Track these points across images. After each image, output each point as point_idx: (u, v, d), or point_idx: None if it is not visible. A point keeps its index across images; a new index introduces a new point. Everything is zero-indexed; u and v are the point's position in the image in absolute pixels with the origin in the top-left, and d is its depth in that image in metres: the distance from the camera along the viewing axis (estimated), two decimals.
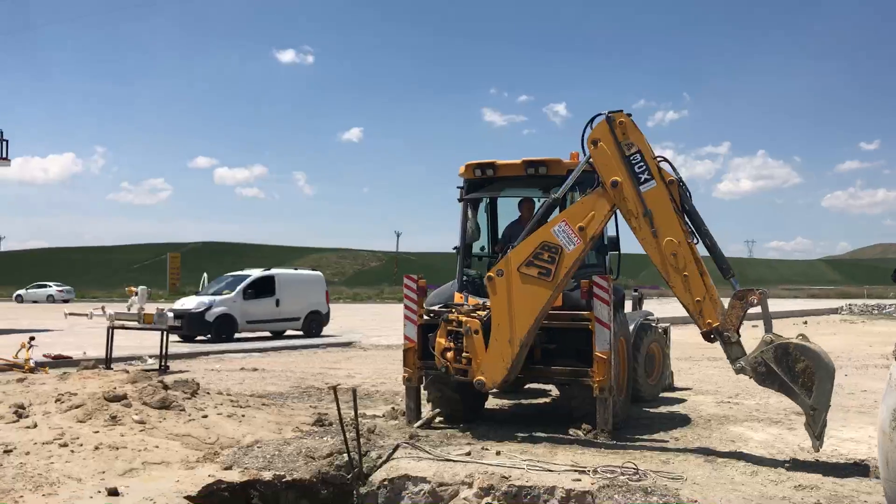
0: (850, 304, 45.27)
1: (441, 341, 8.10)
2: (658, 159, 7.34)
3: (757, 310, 6.97)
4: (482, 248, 9.83)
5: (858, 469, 6.60)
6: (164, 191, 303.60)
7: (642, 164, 7.28)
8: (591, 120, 7.53)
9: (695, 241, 7.22)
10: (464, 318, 7.92)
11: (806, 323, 32.04)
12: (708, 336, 7.14)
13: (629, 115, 7.40)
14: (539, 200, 9.23)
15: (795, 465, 6.79)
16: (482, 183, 9.21)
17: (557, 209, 7.98)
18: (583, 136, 7.60)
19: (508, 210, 9.78)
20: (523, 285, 7.58)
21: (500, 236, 9.74)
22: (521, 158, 8.80)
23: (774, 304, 51.53)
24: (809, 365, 6.59)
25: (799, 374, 6.63)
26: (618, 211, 7.50)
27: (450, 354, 7.99)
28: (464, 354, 7.86)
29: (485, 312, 8.07)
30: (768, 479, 6.35)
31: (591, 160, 7.52)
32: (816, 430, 6.53)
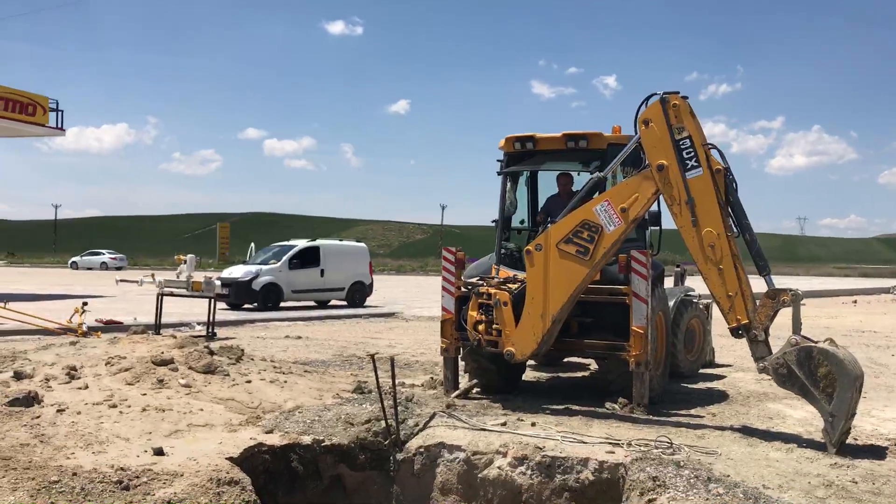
0: None
1: (472, 314, 8.18)
2: (708, 146, 7.18)
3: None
4: (522, 222, 9.85)
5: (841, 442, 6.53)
6: (214, 161, 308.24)
7: (691, 149, 7.13)
8: (647, 99, 7.41)
9: (735, 234, 7.08)
10: (494, 291, 7.98)
11: (856, 302, 31.46)
12: (736, 332, 7.02)
13: (685, 97, 7.25)
14: (578, 174, 9.22)
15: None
16: (522, 156, 9.20)
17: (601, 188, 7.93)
18: (636, 114, 7.53)
19: (548, 184, 9.76)
20: (560, 261, 7.58)
21: (539, 209, 9.75)
22: (561, 132, 8.77)
23: (825, 283, 50.73)
24: (832, 371, 6.44)
25: (820, 380, 6.48)
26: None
27: (481, 326, 8.08)
28: (494, 326, 7.94)
29: (515, 285, 8.13)
30: (804, 457, 6.33)
31: (640, 140, 7.44)
32: (834, 437, 6.37)
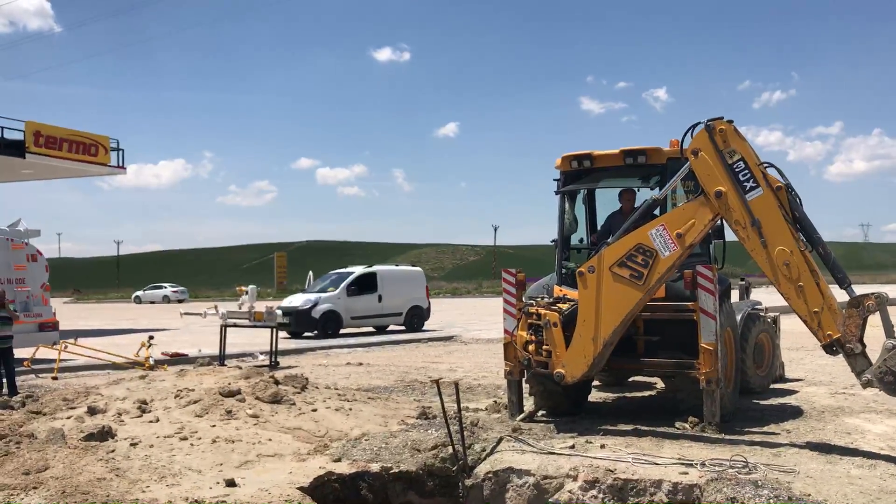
0: None
1: (522, 334, 8.14)
2: (764, 165, 7.04)
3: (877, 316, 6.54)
4: (580, 241, 9.76)
5: None
6: (269, 192, 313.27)
7: (747, 171, 7.00)
8: (691, 128, 7.31)
9: (808, 248, 6.89)
10: (543, 311, 7.92)
11: None
12: (830, 348, 6.76)
13: (730, 121, 7.13)
14: (639, 190, 9.12)
15: None
16: (579, 174, 9.14)
17: (658, 209, 7.83)
18: (681, 144, 7.44)
19: (606, 201, 9.67)
20: (614, 284, 7.47)
21: (598, 227, 9.66)
22: (619, 148, 8.69)
23: (894, 290, 49.12)
24: None
25: None
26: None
27: (531, 347, 8.02)
28: (544, 347, 7.87)
29: (566, 305, 8.05)
30: (888, 473, 6.09)
31: (692, 170, 7.29)
32: None
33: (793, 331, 15.89)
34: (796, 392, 10.43)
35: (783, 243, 6.86)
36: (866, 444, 7.18)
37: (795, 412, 8.96)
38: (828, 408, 9.07)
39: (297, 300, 23.35)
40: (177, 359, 15.94)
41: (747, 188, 7.00)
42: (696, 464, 6.29)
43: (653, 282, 7.37)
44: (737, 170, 7.03)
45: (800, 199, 7.05)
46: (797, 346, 15.26)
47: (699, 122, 7.29)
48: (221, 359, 14.33)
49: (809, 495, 5.44)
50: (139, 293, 66.26)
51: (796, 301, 6.85)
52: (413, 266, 28.84)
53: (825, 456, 6.72)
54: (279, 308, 17.04)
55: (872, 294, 6.66)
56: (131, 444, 6.86)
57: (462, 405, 8.14)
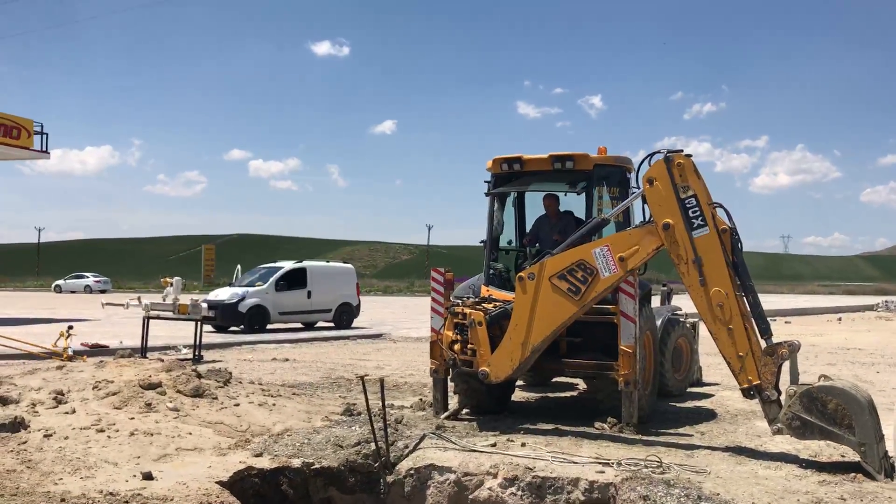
0: (886, 301, 44.50)
1: (448, 333, 8.25)
2: (714, 205, 7.17)
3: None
4: (509, 242, 9.90)
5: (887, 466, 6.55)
6: (199, 183, 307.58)
7: (697, 208, 7.11)
8: (650, 157, 7.42)
9: (741, 294, 7.04)
10: (469, 311, 8.03)
11: (840, 320, 31.68)
12: (748, 393, 6.97)
13: (689, 156, 7.26)
14: (565, 195, 9.30)
15: (821, 461, 6.80)
16: (509, 177, 9.27)
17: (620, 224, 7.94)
18: (638, 171, 7.58)
19: (535, 204, 9.84)
20: (551, 295, 7.59)
21: (527, 230, 9.81)
22: (548, 153, 8.85)
23: (810, 301, 50.94)
24: (839, 403, 6.43)
25: (833, 415, 6.45)
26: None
27: (457, 346, 8.13)
28: (469, 346, 7.98)
29: (491, 305, 8.18)
30: (793, 474, 6.36)
31: (643, 197, 7.40)
32: (875, 464, 6.23)
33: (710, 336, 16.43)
34: (712, 396, 10.77)
35: (720, 284, 7.02)
36: (774, 446, 7.47)
37: (710, 415, 9.27)
38: (741, 411, 9.40)
39: (223, 294, 22.99)
40: (97, 350, 15.53)
41: (695, 225, 7.11)
42: (613, 463, 6.46)
43: (589, 298, 7.50)
44: (688, 205, 7.13)
45: (741, 245, 7.20)
46: (715, 351, 15.67)
47: (658, 152, 7.38)
48: (143, 351, 14.01)
49: (718, 494, 5.64)
50: (60, 282, 64.20)
51: (724, 342, 7.00)
52: (344, 263, 28.64)
53: (735, 457, 6.98)
54: (205, 301, 16.72)
55: (785, 343, 6.88)
56: (45, 436, 6.68)
57: (387, 402, 8.16)
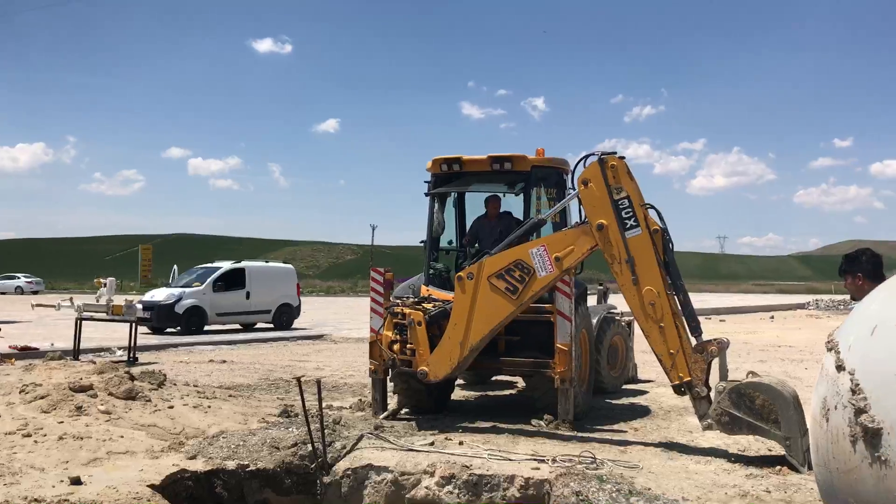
0: (816, 300, 46.04)
1: (388, 333, 8.27)
2: (646, 206, 7.34)
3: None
4: (450, 242, 9.94)
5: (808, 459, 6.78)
6: (137, 182, 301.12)
7: (630, 209, 7.28)
8: (585, 158, 7.55)
9: (672, 293, 7.23)
10: (408, 311, 8.06)
11: (773, 318, 32.61)
12: (678, 389, 7.17)
13: (622, 157, 7.40)
14: (504, 196, 9.38)
15: (749, 455, 6.99)
16: (449, 178, 9.31)
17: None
18: (573, 171, 7.70)
19: (475, 205, 9.90)
20: (489, 294, 7.67)
21: (467, 231, 9.86)
22: (487, 154, 8.92)
23: (744, 300, 52.18)
24: (766, 398, 6.65)
25: (760, 410, 6.67)
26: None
27: (396, 346, 8.16)
28: (408, 346, 8.01)
29: (431, 305, 8.23)
30: (721, 469, 6.53)
31: (579, 198, 7.54)
32: (799, 457, 6.45)
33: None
34: (646, 392, 10.98)
35: (652, 284, 7.19)
36: (705, 441, 7.65)
37: (644, 411, 9.45)
38: (674, 407, 9.60)
39: (160, 294, 22.57)
40: (26, 353, 15.07)
41: (628, 226, 7.27)
42: (548, 460, 6.54)
43: (526, 298, 7.60)
44: (621, 206, 7.29)
45: (672, 245, 7.39)
46: (650, 349, 16.02)
47: (593, 154, 7.51)
48: (75, 353, 13.66)
49: (649, 489, 5.76)
50: None
51: (656, 340, 7.19)
52: (285, 263, 28.35)
53: (667, 452, 7.14)
54: (140, 302, 16.39)
55: (714, 340, 7.10)
56: None
57: (326, 403, 8.14)
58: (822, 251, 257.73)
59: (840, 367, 3.23)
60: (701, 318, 7.55)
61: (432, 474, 6.43)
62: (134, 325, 14.49)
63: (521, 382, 11.05)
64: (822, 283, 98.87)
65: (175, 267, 25.53)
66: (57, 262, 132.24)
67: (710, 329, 7.22)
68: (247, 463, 6.64)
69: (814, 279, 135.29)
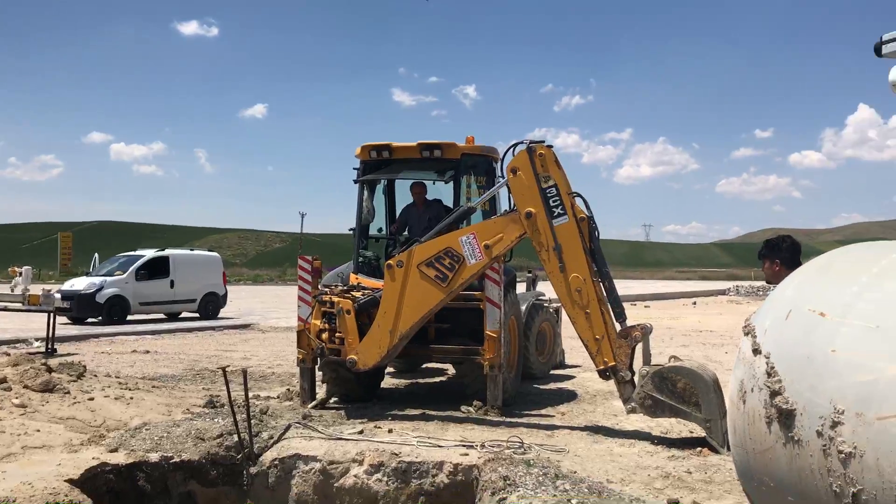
0: (737, 286, 47.45)
1: (316, 322, 8.21)
2: (573, 195, 7.47)
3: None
4: (379, 230, 9.90)
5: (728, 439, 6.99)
6: (55, 167, 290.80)
7: (557, 198, 7.39)
8: (513, 146, 7.63)
9: (598, 280, 7.37)
10: (337, 299, 8.02)
11: (695, 304, 33.53)
12: (604, 374, 7.33)
13: (550, 146, 7.50)
14: (433, 183, 9.38)
15: (671, 437, 7.18)
16: (378, 165, 9.26)
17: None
18: (503, 161, 7.74)
19: (405, 192, 9.87)
20: (419, 282, 7.68)
21: (396, 218, 9.83)
22: (416, 141, 8.89)
23: (668, 286, 53.51)
24: (687, 382, 6.85)
25: (682, 393, 6.87)
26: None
27: (324, 335, 8.10)
28: (337, 334, 7.97)
29: (359, 293, 8.20)
30: (645, 451, 6.69)
31: (508, 186, 7.62)
32: (718, 438, 6.61)
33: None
34: (573, 377, 11.16)
35: (578, 271, 7.31)
36: (629, 424, 7.82)
37: (571, 396, 9.61)
38: (599, 392, 9.78)
39: (80, 284, 21.84)
40: None
41: (555, 214, 7.39)
42: (477, 445, 6.59)
43: (456, 285, 7.63)
44: (549, 195, 7.40)
45: (598, 233, 7.53)
46: (577, 334, 16.29)
47: (521, 142, 7.59)
48: None
49: (575, 472, 5.86)
50: None
51: (582, 326, 7.33)
52: (211, 251, 27.78)
53: (593, 436, 7.27)
54: (59, 292, 15.86)
55: (638, 326, 7.31)
56: None
57: (254, 393, 8.02)
58: (743, 239, 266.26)
59: (756, 351, 3.32)
60: (626, 305, 7.73)
61: (361, 462, 6.41)
62: (52, 315, 14.00)
63: (451, 369, 11.10)
64: (742, 269, 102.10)
65: (96, 255, 24.77)
66: None
67: (635, 315, 7.39)
68: (171, 455, 6.50)
69: (735, 266, 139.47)
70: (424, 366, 11.52)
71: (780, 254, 5.04)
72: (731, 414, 3.51)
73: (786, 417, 3.05)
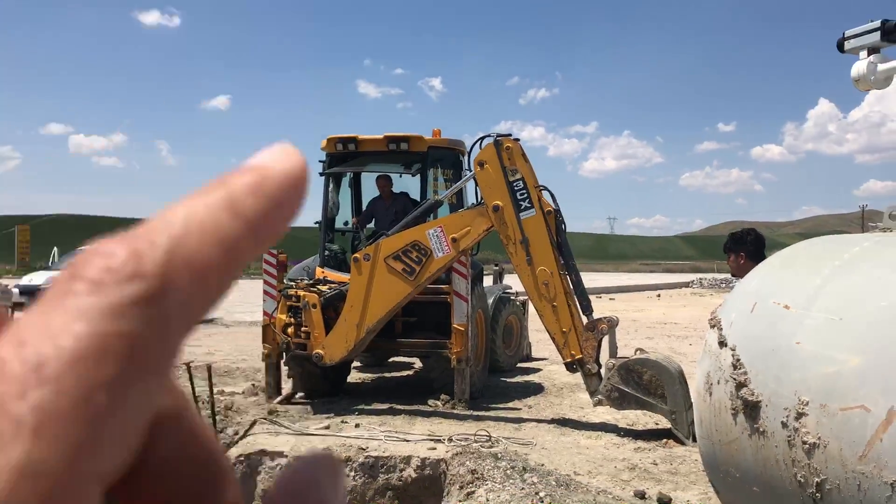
0: (700, 279, 48.12)
1: (281, 317, 8.15)
2: (540, 188, 7.49)
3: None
4: (345, 223, 9.84)
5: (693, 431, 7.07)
6: (12, 159, 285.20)
7: (524, 191, 7.41)
8: (481, 140, 7.63)
9: (564, 273, 7.41)
10: (303, 293, 7.96)
11: (659, 296, 33.88)
12: (571, 367, 7.38)
13: (517, 140, 7.51)
14: (400, 176, 9.34)
15: (637, 429, 7.24)
16: (345, 157, 9.19)
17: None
18: (469, 153, 7.74)
19: (371, 185, 9.81)
20: (386, 276, 7.65)
21: (363, 211, 9.77)
22: (383, 134, 8.84)
23: (633, 279, 54.23)
24: (653, 374, 6.93)
25: (648, 385, 6.95)
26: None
27: (290, 329, 8.05)
28: (303, 329, 7.92)
29: (326, 287, 8.15)
30: (611, 443, 6.74)
31: (475, 179, 7.61)
32: (684, 430, 6.70)
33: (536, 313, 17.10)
34: (540, 370, 11.20)
35: (545, 264, 7.34)
36: (596, 416, 7.87)
37: (538, 389, 9.64)
38: (566, 384, 9.83)
39: (38, 278, 21.36)
40: None
41: (522, 207, 7.41)
42: (444, 439, 6.59)
43: (423, 278, 7.61)
44: (516, 188, 7.42)
45: (565, 226, 7.55)
46: (543, 327, 16.37)
47: (489, 135, 7.59)
48: None
49: (543, 465, 5.88)
50: None
51: (549, 318, 7.36)
52: None
53: (560, 429, 7.31)
54: (17, 286, 15.54)
55: (605, 318, 7.34)
56: None
57: (218, 389, 7.93)
58: (706, 231, 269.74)
59: (722, 343, 3.35)
60: (591, 298, 7.76)
61: None
62: (10, 310, 13.72)
63: (418, 363, 11.08)
64: (705, 262, 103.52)
65: (55, 249, 24.36)
66: None
67: (600, 307, 7.44)
68: None
69: (698, 258, 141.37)
70: (391, 360, 11.49)
71: (745, 247, 5.09)
72: (698, 406, 3.53)
73: (751, 409, 3.07)
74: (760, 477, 3.08)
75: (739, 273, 4.88)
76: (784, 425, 2.92)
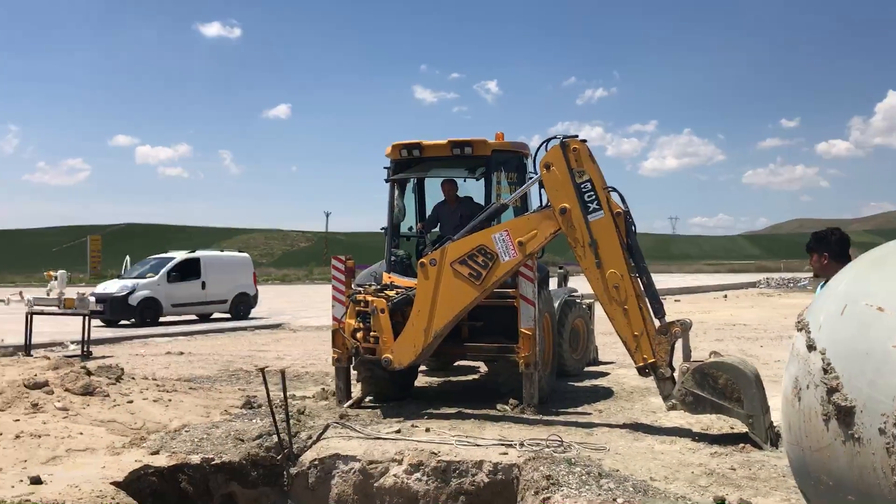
0: (767, 278, 46.93)
1: (350, 322, 8.21)
2: (608, 190, 7.39)
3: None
4: (410, 229, 9.89)
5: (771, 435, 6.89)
6: (82, 171, 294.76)
7: (592, 193, 7.32)
8: (546, 142, 7.58)
9: (635, 275, 7.29)
10: (371, 298, 8.01)
11: (726, 297, 33.17)
12: (643, 371, 7.25)
13: (584, 141, 7.43)
14: (464, 181, 9.35)
15: (712, 433, 7.10)
16: (409, 163, 9.24)
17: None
18: (535, 155, 7.70)
19: (435, 190, 9.85)
20: (453, 280, 7.65)
21: (427, 216, 9.82)
22: (447, 139, 8.86)
23: (697, 279, 53.24)
24: (729, 378, 6.75)
25: (723, 389, 6.77)
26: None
27: (359, 334, 8.10)
28: (371, 333, 7.96)
29: (393, 292, 8.19)
30: (686, 448, 6.62)
31: (541, 182, 7.56)
32: (762, 434, 6.57)
33: (606, 316, 16.89)
34: (608, 374, 11.09)
35: (615, 266, 7.24)
36: (669, 421, 7.75)
37: (607, 393, 9.54)
38: (636, 388, 9.71)
39: (112, 286, 22.07)
40: None
41: (590, 209, 7.32)
42: (516, 444, 6.56)
43: (490, 283, 7.59)
44: (583, 190, 7.33)
45: (635, 228, 7.45)
46: (610, 330, 16.13)
47: (555, 137, 7.54)
48: (27, 349, 13.31)
49: (618, 470, 5.81)
50: None
51: (620, 322, 7.25)
52: (240, 252, 27.96)
53: (633, 433, 7.21)
54: (93, 295, 16.02)
55: (678, 321, 7.19)
56: None
57: (289, 393, 8.04)
58: (770, 230, 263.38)
59: (811, 347, 3.26)
60: None
61: (400, 462, 6.41)
62: (87, 318, 14.16)
63: (483, 367, 11.07)
64: (771, 261, 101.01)
65: (127, 258, 25.01)
66: (1, 255, 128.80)
67: (667, 309, 7.31)
68: (211, 456, 6.54)
69: (763, 258, 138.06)
70: (457, 364, 11.50)
71: (829, 247, 4.94)
72: (786, 411, 3.44)
73: (845, 415, 2.98)
74: (857, 485, 2.98)
75: (823, 273, 4.75)
76: (882, 432, 2.83)
